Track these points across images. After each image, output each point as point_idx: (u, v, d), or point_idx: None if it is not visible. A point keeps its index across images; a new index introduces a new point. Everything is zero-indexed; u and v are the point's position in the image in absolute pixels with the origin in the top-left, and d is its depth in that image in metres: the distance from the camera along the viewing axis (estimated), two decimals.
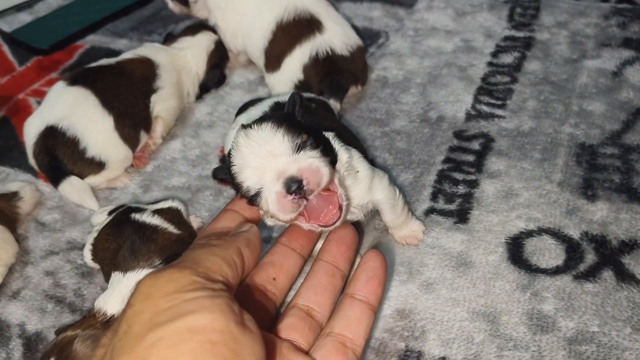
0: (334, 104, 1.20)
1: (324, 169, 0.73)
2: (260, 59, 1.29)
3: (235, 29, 1.31)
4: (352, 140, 0.99)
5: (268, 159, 0.72)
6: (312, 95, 1.15)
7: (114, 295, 0.84)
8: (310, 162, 0.72)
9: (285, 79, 1.24)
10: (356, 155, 0.86)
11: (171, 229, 0.94)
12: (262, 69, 1.31)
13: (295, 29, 1.23)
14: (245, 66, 1.40)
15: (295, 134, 0.73)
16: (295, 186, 0.71)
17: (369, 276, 0.69)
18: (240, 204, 0.75)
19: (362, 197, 0.86)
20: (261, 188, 0.73)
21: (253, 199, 0.73)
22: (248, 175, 0.72)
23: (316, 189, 0.73)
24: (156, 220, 0.93)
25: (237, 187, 0.74)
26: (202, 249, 0.58)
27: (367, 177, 0.86)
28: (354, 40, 1.27)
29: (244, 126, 0.75)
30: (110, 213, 1.01)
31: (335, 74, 1.22)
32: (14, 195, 1.07)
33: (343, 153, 0.81)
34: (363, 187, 0.86)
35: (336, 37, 1.23)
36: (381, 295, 0.71)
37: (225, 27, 1.33)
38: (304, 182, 0.71)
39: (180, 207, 1.01)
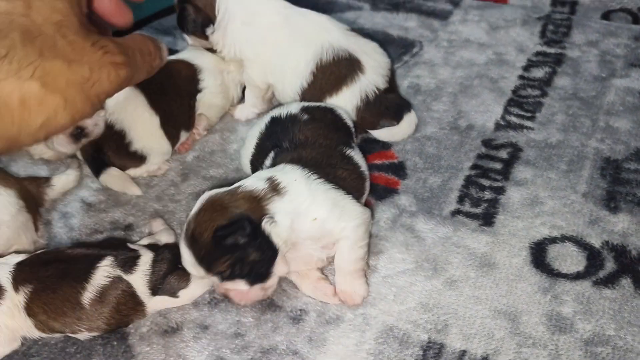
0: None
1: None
2: (291, 98, 1.25)
3: (265, 63, 1.26)
4: (336, 177, 0.97)
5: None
6: (319, 104, 1.15)
7: None
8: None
9: None
10: (320, 197, 0.91)
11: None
12: None
13: (337, 70, 1.20)
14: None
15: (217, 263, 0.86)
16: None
17: None
18: None
19: (326, 240, 0.92)
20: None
21: None
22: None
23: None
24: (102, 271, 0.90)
25: None
26: None
27: (330, 221, 0.91)
28: (385, 65, 1.26)
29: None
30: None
31: (391, 106, 1.23)
32: (45, 181, 1.12)
33: (284, 221, 0.88)
34: (327, 232, 0.91)
35: (376, 72, 1.22)
36: None
37: (255, 61, 1.26)
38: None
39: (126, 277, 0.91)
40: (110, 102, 1.14)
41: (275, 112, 1.12)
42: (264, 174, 0.93)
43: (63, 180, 1.14)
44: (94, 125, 1.10)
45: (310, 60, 1.20)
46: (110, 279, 0.90)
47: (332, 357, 0.88)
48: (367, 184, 1.06)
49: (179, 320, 0.94)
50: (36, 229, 1.05)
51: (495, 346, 0.87)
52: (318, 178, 0.93)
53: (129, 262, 0.92)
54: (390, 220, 1.07)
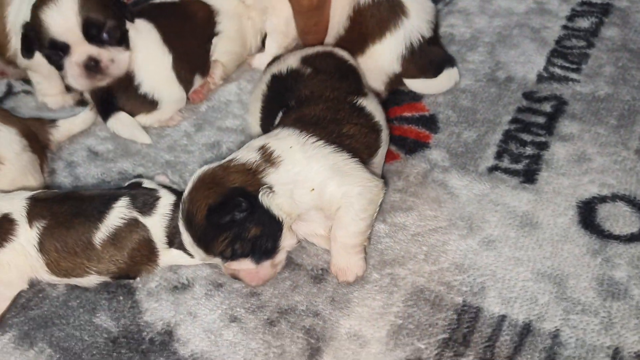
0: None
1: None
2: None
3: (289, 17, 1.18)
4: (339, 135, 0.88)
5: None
6: (317, 50, 1.06)
7: None
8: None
9: (373, 67, 1.10)
10: (318, 164, 0.82)
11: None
12: None
13: (377, 12, 1.10)
14: None
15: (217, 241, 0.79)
16: None
17: None
18: None
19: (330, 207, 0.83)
20: None
21: None
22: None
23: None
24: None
25: None
26: None
27: (329, 188, 0.82)
28: (430, 10, 1.15)
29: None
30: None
31: (435, 60, 1.13)
32: (50, 122, 1.06)
33: (284, 192, 0.81)
34: (327, 200, 0.82)
35: (420, 17, 1.11)
36: None
37: (282, 9, 1.17)
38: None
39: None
40: None
41: (275, 69, 1.02)
42: (257, 142, 0.85)
43: (69, 121, 1.08)
44: (110, 60, 1.01)
45: (345, 4, 1.10)
46: (125, 221, 0.85)
47: (356, 319, 0.80)
48: (384, 135, 0.94)
49: (191, 277, 0.87)
50: (43, 172, 0.99)
51: (539, 312, 0.79)
52: (317, 140, 0.84)
53: (148, 203, 0.87)
54: (420, 175, 0.98)
